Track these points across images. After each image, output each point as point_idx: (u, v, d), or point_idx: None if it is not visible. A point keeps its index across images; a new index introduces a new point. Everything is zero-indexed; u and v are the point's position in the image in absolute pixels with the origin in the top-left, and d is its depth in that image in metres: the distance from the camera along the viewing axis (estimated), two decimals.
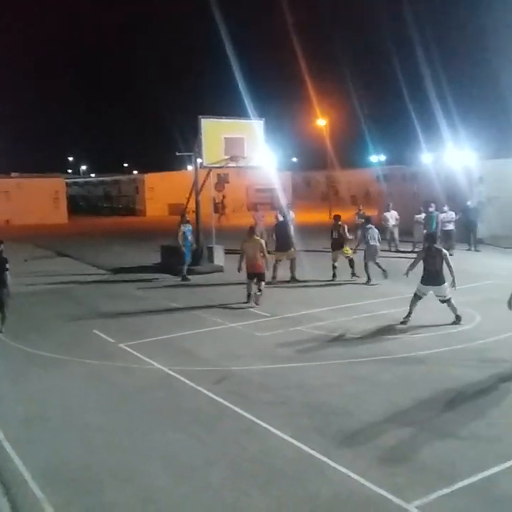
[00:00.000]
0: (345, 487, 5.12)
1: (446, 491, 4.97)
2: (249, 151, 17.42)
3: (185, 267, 15.85)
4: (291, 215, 22.30)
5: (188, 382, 7.81)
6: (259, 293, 12.45)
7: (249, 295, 12.54)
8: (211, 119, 17.33)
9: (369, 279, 14.68)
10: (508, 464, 5.36)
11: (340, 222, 15.52)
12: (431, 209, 19.97)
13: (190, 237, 16.15)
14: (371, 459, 5.62)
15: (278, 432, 6.21)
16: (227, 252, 18.04)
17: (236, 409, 6.87)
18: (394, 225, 21.58)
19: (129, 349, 9.39)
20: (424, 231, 20.13)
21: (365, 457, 5.65)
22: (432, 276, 10.37)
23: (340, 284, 14.82)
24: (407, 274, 10.74)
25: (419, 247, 20.61)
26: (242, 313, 11.81)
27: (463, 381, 7.66)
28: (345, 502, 4.90)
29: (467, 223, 20.45)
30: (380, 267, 14.80)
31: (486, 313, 11.29)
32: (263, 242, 12.82)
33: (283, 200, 24.71)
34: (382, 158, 66.67)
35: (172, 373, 8.18)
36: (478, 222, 20.60)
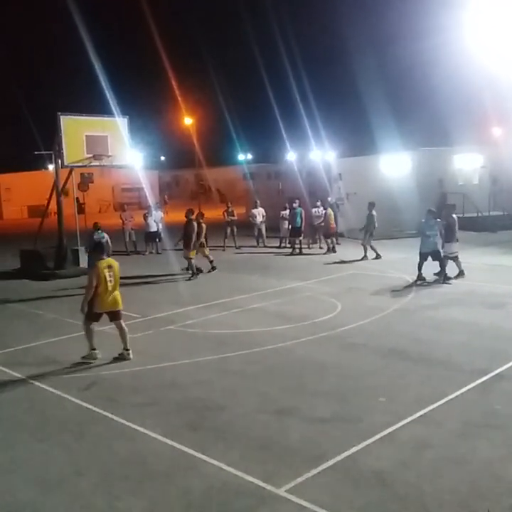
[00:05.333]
0: (218, 479, 5.19)
1: (313, 472, 5.21)
2: (113, 150, 16.97)
3: None
4: (160, 214, 22.14)
5: (54, 391, 7.46)
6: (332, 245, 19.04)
7: (329, 249, 19.04)
8: (72, 117, 16.64)
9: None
10: (368, 442, 5.73)
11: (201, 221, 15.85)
12: (295, 205, 20.77)
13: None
14: (243, 449, 5.75)
15: (149, 433, 6.14)
16: None
17: (106, 413, 6.70)
18: (261, 222, 22.18)
19: None
20: (289, 227, 20.96)
21: (237, 448, 5.76)
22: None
23: (210, 282, 14.95)
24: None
25: (285, 242, 21.48)
26: None
27: (326, 366, 8.09)
28: (218, 494, 4.97)
29: None
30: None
31: (347, 301, 11.99)
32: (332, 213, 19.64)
33: (151, 199, 24.43)
34: (249, 156, 68.17)
35: (36, 383, 7.77)
36: (338, 217, 21.76)
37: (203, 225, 15.77)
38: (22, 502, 5.00)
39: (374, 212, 17.62)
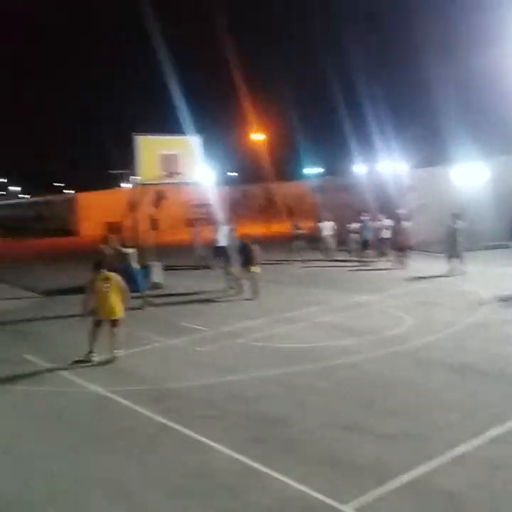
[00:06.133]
0: (285, 494, 5.17)
1: (381, 490, 5.10)
2: (185, 167, 17.41)
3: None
4: (228, 229, 22.41)
5: (125, 402, 7.68)
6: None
7: (402, 263, 18.62)
8: (146, 136, 17.26)
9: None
10: (438, 461, 5.55)
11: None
12: (364, 218, 20.53)
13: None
14: (310, 464, 5.70)
15: (217, 446, 6.20)
16: (166, 268, 17.95)
17: (175, 426, 6.82)
18: (329, 235, 22.08)
19: (63, 372, 9.16)
20: (358, 240, 20.73)
21: (304, 463, 5.73)
22: None
23: (278, 296, 14.97)
24: None
25: (354, 256, 21.23)
26: (181, 329, 11.75)
27: (394, 382, 7.91)
28: (284, 509, 4.95)
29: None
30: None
31: (417, 316, 11.70)
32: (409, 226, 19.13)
33: (220, 215, 24.78)
34: (318, 170, 68.10)
35: (109, 395, 8.03)
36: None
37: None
38: (95, 511, 5.17)
39: (459, 222, 17.05)
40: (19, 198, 77.21)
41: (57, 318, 13.69)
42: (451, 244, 16.95)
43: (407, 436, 6.20)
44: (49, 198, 56.90)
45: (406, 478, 5.28)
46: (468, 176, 23.34)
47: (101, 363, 9.57)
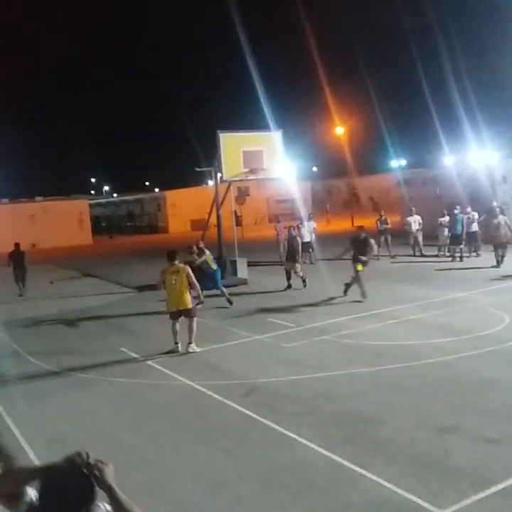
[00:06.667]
0: (378, 495, 5.07)
1: (480, 496, 4.88)
2: (268, 163, 17.51)
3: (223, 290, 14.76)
4: (312, 224, 22.31)
5: (215, 396, 7.83)
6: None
7: (498, 262, 17.11)
8: (229, 133, 17.49)
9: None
10: None
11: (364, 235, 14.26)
12: (456, 211, 19.74)
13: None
14: (403, 465, 5.55)
15: (307, 443, 6.17)
16: (250, 264, 18.10)
17: (265, 421, 6.86)
18: (417, 230, 21.43)
19: (156, 365, 9.46)
20: (449, 234, 19.95)
21: (397, 464, 5.58)
22: None
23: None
24: None
25: (444, 250, 20.45)
26: (268, 325, 11.81)
27: (493, 383, 7.55)
28: (377, 510, 4.85)
29: None
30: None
31: None
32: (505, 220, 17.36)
33: (303, 210, 24.71)
34: (403, 162, 66.27)
35: (200, 388, 8.21)
36: None
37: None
38: (189, 502, 5.28)
39: None
40: (111, 196, 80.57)
41: (148, 312, 14.18)
42: None
43: (508, 440, 5.89)
44: (139, 196, 59.06)
45: (507, 483, 5.02)
46: None
47: (190, 356, 9.81)
